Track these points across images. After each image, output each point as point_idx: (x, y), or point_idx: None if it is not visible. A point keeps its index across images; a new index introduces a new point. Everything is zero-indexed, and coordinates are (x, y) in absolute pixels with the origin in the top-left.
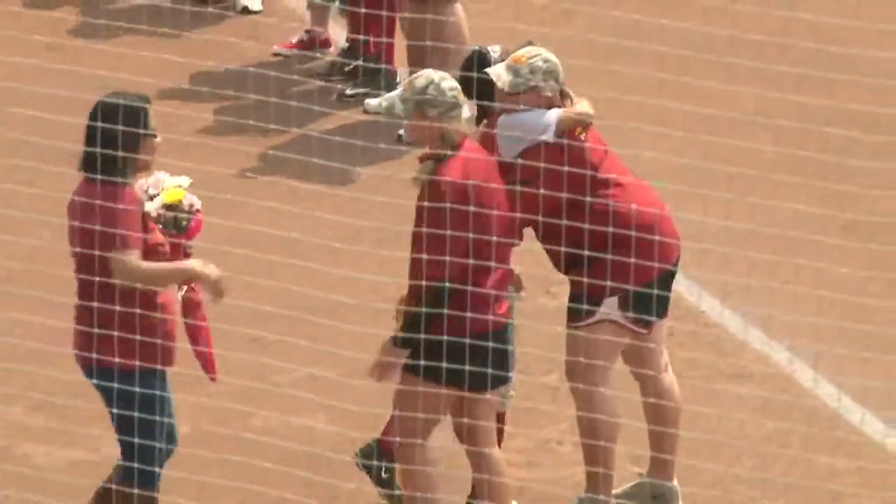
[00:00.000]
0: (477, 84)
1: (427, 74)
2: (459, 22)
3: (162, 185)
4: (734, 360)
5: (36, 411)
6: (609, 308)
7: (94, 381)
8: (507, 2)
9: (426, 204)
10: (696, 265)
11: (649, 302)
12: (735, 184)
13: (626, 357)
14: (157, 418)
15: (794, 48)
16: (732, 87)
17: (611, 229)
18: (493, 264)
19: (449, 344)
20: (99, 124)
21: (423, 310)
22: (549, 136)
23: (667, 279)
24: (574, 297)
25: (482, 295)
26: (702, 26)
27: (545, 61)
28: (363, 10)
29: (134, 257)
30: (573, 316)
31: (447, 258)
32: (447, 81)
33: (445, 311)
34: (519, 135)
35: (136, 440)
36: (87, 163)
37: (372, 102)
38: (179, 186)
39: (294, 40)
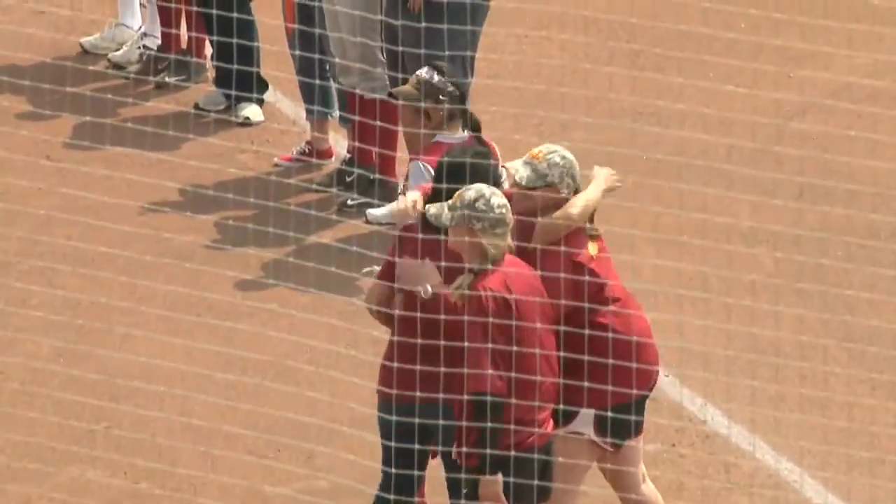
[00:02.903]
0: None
1: (478, 188)
2: None
3: None
4: (737, 470)
5: None
6: (584, 423)
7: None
8: (504, 115)
9: (467, 318)
10: (698, 375)
11: (622, 424)
12: (733, 305)
13: (603, 474)
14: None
15: (789, 157)
16: (730, 194)
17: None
18: (538, 378)
19: (496, 460)
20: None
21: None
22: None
23: (641, 403)
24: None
25: (529, 409)
26: (698, 133)
27: (562, 158)
28: (360, 118)
29: None
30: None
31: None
32: (497, 198)
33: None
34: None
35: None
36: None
37: (375, 212)
38: None
39: (295, 151)
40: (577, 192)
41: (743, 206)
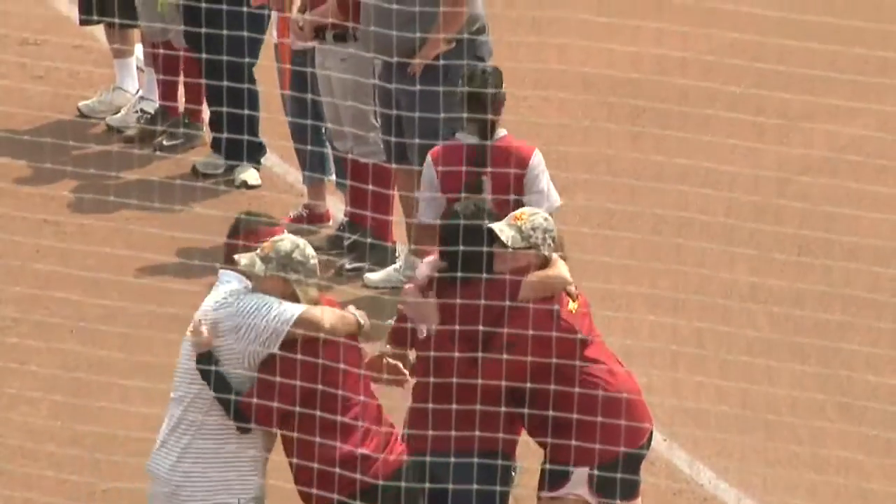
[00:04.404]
0: (483, 98)
1: (292, 238)
2: None
3: None
4: None
5: None
6: (578, 483)
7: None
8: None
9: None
10: (697, 435)
11: (614, 481)
12: (730, 362)
13: None
14: None
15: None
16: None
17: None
18: (360, 423)
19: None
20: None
21: None
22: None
23: (634, 461)
24: (545, 464)
25: (347, 453)
26: (699, 188)
27: (545, 219)
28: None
29: None
30: (542, 482)
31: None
32: (310, 248)
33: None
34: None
35: None
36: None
37: (372, 276)
38: None
39: (292, 215)
40: (562, 252)
41: (743, 261)
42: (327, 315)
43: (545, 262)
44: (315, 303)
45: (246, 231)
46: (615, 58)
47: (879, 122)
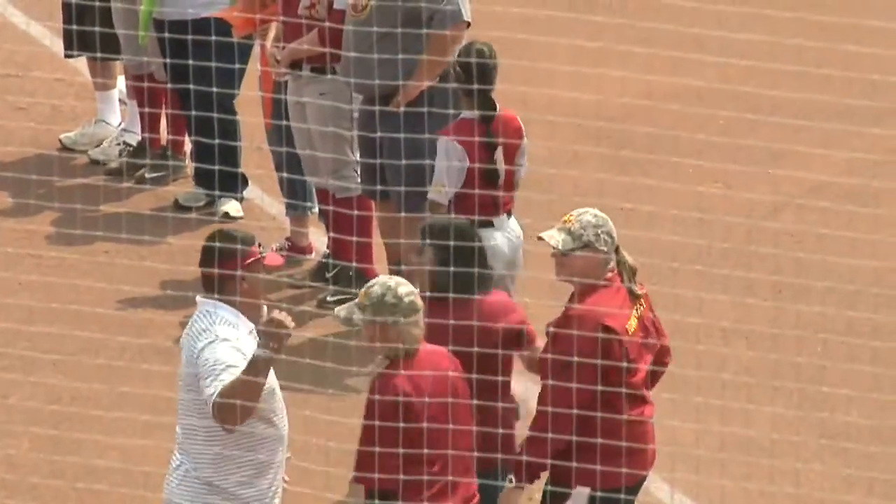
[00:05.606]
0: (475, 70)
1: (382, 282)
2: None
3: None
4: None
5: None
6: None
7: None
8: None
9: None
10: (669, 484)
11: None
12: (707, 406)
13: None
14: None
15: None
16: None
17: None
18: (449, 478)
19: None
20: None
21: None
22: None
23: (632, 492)
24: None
25: None
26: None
27: (594, 216)
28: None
29: None
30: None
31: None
32: (403, 287)
33: None
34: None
35: None
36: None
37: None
38: None
39: (275, 247)
40: (616, 250)
41: (717, 305)
42: (240, 384)
43: (603, 262)
44: (416, 342)
45: (221, 258)
46: (580, 105)
47: (848, 167)
